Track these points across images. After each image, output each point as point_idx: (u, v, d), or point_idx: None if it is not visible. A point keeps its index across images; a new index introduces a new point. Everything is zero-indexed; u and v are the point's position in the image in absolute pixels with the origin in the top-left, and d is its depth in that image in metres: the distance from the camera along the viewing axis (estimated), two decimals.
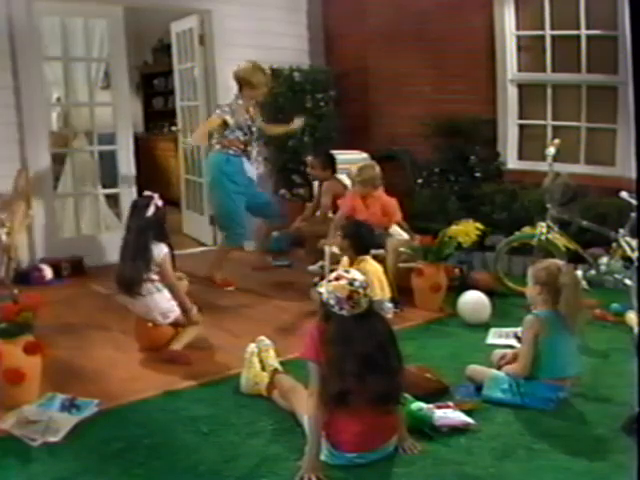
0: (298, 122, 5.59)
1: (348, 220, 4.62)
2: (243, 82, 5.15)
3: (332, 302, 2.62)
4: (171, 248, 3.84)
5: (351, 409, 2.57)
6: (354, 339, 2.60)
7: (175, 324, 3.81)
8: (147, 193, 3.89)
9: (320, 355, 2.59)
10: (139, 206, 3.81)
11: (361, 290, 2.63)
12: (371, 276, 3.89)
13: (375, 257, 4.41)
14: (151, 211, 3.74)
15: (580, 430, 2.88)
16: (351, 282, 2.63)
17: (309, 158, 5.63)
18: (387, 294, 4.20)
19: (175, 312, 3.78)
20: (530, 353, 3.09)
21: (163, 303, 3.75)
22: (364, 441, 2.63)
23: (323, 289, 2.68)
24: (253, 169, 5.49)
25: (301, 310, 4.48)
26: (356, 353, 2.57)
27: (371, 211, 4.84)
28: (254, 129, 5.29)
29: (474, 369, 3.30)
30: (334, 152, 5.67)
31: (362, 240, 4.25)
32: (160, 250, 3.73)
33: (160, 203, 3.80)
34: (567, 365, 3.12)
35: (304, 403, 2.74)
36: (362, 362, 2.56)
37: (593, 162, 5.58)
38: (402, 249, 4.72)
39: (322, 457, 2.62)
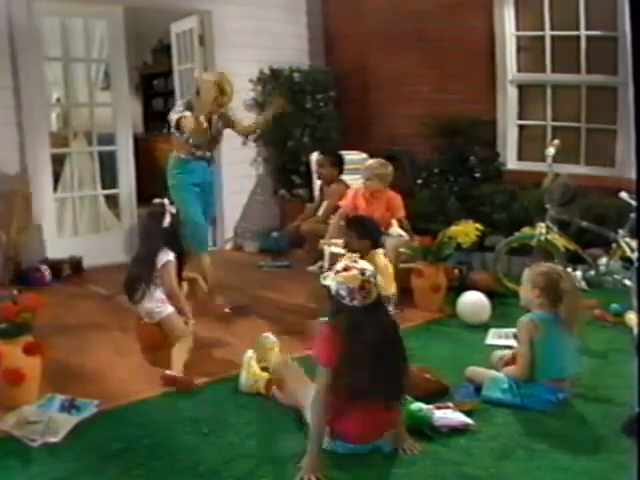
0: (276, 105, 4.89)
1: (353, 218, 4.57)
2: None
3: (343, 293, 2.58)
4: (181, 253, 3.86)
5: (358, 402, 2.57)
6: (365, 329, 2.58)
7: (165, 326, 3.74)
8: (157, 201, 3.92)
9: (332, 359, 2.55)
10: (153, 216, 3.87)
11: (372, 279, 2.61)
12: (382, 269, 3.95)
13: None
14: (167, 221, 3.80)
15: (580, 430, 2.89)
16: (362, 272, 2.60)
17: (318, 156, 5.59)
18: (394, 290, 4.20)
19: (161, 313, 3.72)
20: (527, 355, 3.09)
21: (148, 303, 3.73)
22: (366, 434, 2.65)
23: (331, 281, 2.63)
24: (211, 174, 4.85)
25: (301, 310, 4.48)
26: (368, 344, 2.55)
27: (373, 208, 4.83)
28: (214, 132, 4.69)
29: (473, 370, 3.31)
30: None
31: (372, 235, 4.25)
32: (163, 257, 3.75)
33: (174, 210, 3.86)
34: (565, 366, 3.12)
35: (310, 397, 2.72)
36: (374, 353, 2.55)
37: (593, 163, 5.59)
38: (402, 249, 4.73)
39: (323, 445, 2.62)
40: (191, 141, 4.52)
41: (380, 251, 4.23)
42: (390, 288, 4.15)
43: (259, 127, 5.14)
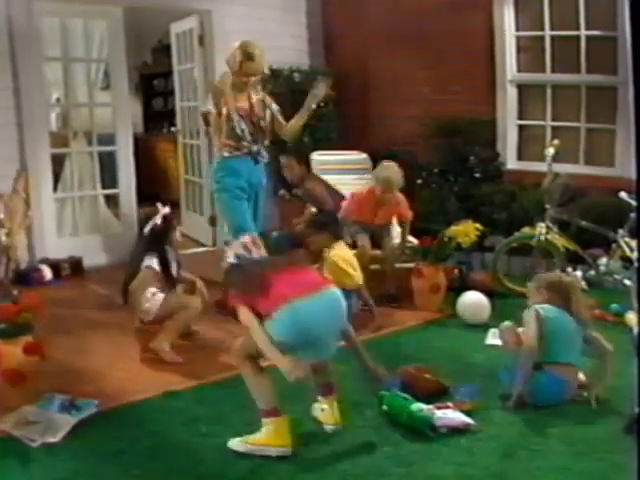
0: (322, 87, 4.21)
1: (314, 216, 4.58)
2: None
3: (240, 251, 2.92)
4: (164, 260, 3.87)
5: (277, 276, 2.74)
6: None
7: (164, 313, 3.81)
8: (157, 205, 3.94)
9: (246, 298, 2.77)
10: (141, 221, 4.04)
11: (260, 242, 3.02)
12: (348, 260, 4.15)
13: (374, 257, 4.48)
14: (147, 228, 3.87)
15: (580, 430, 2.89)
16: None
17: (282, 161, 5.25)
18: (361, 281, 4.22)
19: (156, 305, 3.79)
20: (536, 334, 3.10)
21: (142, 304, 3.82)
22: (299, 289, 2.70)
23: (230, 254, 2.94)
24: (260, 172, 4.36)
25: None
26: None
27: (380, 215, 4.81)
28: (256, 119, 4.15)
29: (507, 329, 3.30)
30: (335, 152, 5.66)
31: (331, 230, 4.28)
32: (146, 262, 3.81)
33: (159, 221, 3.85)
34: (571, 353, 3.17)
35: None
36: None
37: (592, 163, 5.58)
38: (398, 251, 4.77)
39: (274, 334, 2.67)
40: (224, 137, 4.02)
41: (342, 244, 4.26)
42: (358, 279, 4.18)
43: (304, 122, 4.30)
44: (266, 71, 4.22)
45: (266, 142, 4.22)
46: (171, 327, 3.73)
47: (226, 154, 4.09)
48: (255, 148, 4.11)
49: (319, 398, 2.99)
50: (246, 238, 3.00)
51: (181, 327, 3.79)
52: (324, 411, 2.95)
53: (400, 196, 4.85)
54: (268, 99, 4.31)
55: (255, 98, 4.16)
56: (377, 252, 4.74)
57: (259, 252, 2.91)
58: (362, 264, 4.34)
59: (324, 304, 2.72)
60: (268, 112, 4.23)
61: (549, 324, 3.15)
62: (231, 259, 2.95)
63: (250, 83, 4.08)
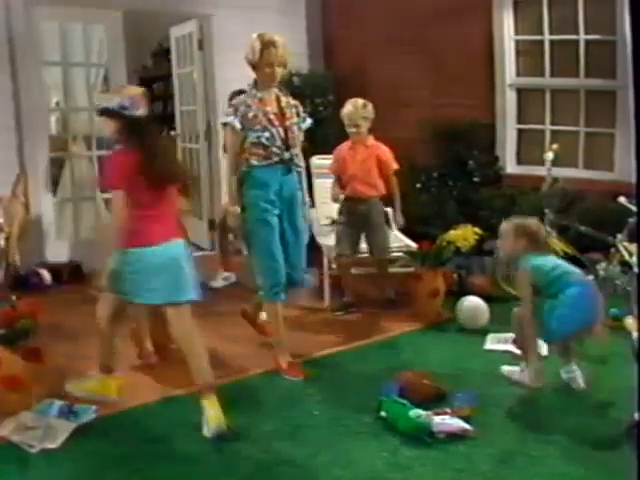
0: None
1: None
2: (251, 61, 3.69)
3: (126, 104, 2.98)
4: None
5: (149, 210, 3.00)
6: (152, 135, 3.09)
7: None
8: None
9: (121, 182, 2.93)
10: None
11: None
12: None
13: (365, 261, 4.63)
14: None
15: (578, 436, 2.88)
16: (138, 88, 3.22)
17: None
18: None
19: None
20: (530, 304, 3.28)
21: None
22: (160, 235, 3.04)
23: (114, 99, 3.04)
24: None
25: (299, 312, 4.48)
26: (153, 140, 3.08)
27: (360, 161, 4.74)
28: (288, 123, 3.65)
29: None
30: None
31: None
32: None
33: None
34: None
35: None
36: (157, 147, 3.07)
37: (591, 167, 5.59)
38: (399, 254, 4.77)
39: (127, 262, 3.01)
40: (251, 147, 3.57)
41: None
42: None
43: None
44: (288, 66, 3.73)
45: (299, 149, 3.74)
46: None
47: (254, 162, 3.57)
48: (287, 156, 3.63)
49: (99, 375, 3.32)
50: (137, 92, 3.08)
51: (141, 328, 3.88)
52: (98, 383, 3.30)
53: (381, 145, 4.80)
54: (300, 108, 3.85)
55: (285, 100, 3.72)
56: (365, 255, 4.75)
57: (145, 110, 3.01)
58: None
59: (168, 256, 3.05)
60: (294, 110, 3.76)
61: (556, 270, 3.30)
62: (113, 105, 3.00)
63: (276, 78, 3.62)
